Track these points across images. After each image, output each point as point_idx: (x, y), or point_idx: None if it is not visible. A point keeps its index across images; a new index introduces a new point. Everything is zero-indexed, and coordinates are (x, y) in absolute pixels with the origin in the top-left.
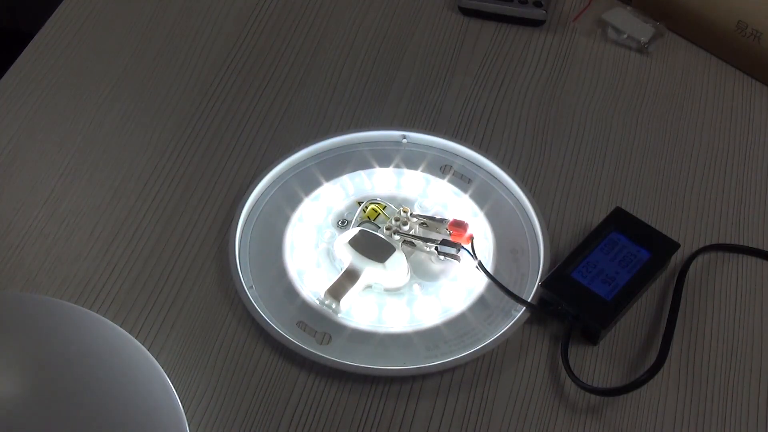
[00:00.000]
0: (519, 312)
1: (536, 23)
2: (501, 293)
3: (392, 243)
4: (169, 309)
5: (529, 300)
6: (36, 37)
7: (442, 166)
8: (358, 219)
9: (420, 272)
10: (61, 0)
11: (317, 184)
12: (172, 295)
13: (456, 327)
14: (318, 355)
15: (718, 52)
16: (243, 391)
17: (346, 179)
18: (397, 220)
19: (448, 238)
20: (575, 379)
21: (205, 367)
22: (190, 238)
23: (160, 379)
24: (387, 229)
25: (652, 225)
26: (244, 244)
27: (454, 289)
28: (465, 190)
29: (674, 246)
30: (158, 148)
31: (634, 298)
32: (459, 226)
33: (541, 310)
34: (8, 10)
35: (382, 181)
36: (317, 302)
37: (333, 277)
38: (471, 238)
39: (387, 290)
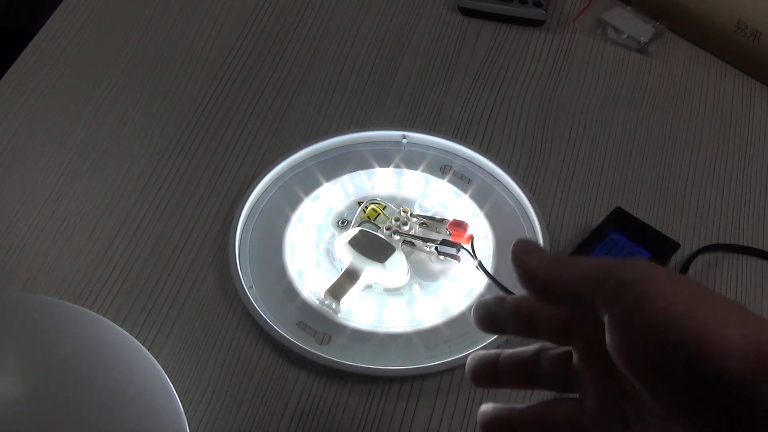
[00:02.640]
0: None
1: (536, 23)
2: (501, 293)
3: (392, 243)
4: (169, 309)
5: None
6: (36, 37)
7: (442, 166)
8: (358, 219)
9: (420, 272)
10: (62, 0)
11: (317, 184)
12: (172, 294)
13: (456, 327)
14: (318, 355)
15: (718, 52)
16: (243, 390)
17: (346, 179)
18: (397, 220)
19: (448, 238)
20: None
21: (205, 367)
22: (190, 238)
23: (160, 378)
24: (387, 229)
25: (652, 225)
26: (244, 244)
27: (454, 289)
28: (465, 190)
29: (674, 246)
30: (158, 148)
31: None
32: (459, 226)
33: None
34: (8, 10)
35: (382, 181)
36: (317, 302)
37: (333, 277)
38: (471, 238)
39: (387, 290)
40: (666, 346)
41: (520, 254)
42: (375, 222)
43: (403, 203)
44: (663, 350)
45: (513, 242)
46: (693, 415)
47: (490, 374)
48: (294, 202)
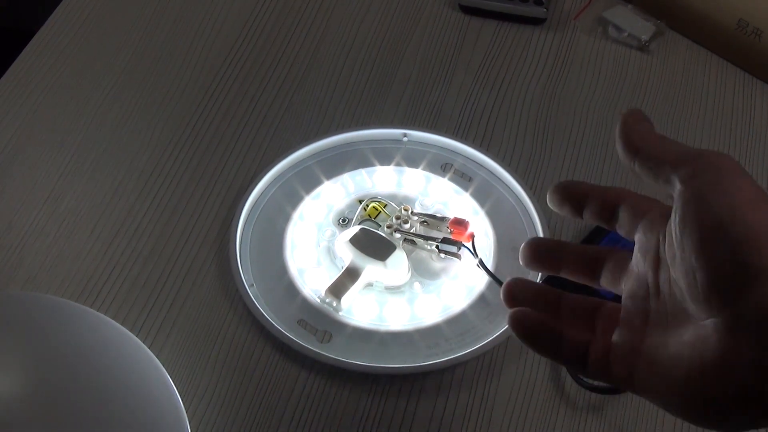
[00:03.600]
0: None
1: (537, 21)
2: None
3: (393, 241)
4: (170, 307)
5: None
6: (36, 36)
7: (442, 165)
8: (359, 217)
9: (421, 270)
10: None
11: (318, 183)
12: (173, 293)
13: (457, 325)
14: (319, 353)
15: (718, 51)
16: (244, 389)
17: (346, 177)
18: (397, 218)
19: (448, 236)
20: (576, 377)
21: (205, 366)
22: (190, 236)
23: (161, 377)
24: (388, 227)
25: None
26: (245, 242)
27: (455, 287)
28: (466, 189)
29: None
30: (158, 147)
31: None
32: (460, 224)
33: None
34: (8, 9)
35: (382, 180)
36: (318, 300)
37: (334, 276)
38: (472, 236)
39: (388, 288)
40: (722, 225)
41: (629, 119)
42: (376, 220)
43: (403, 201)
44: (719, 227)
45: (627, 110)
46: (718, 297)
47: (551, 256)
48: (295, 201)
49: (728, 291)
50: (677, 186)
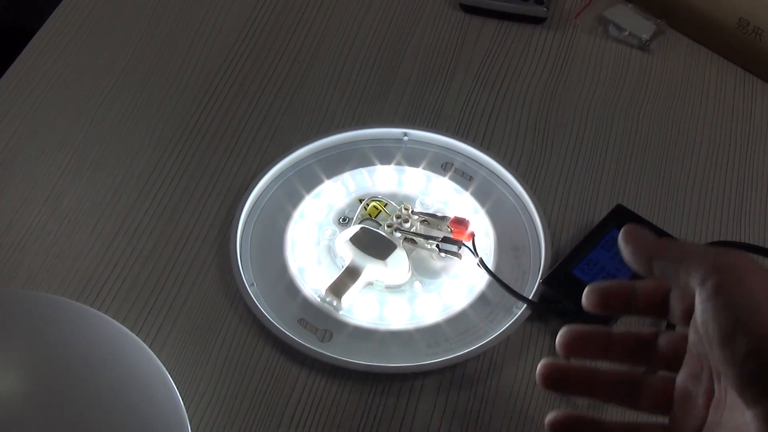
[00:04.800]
0: (520, 309)
1: (537, 20)
2: (502, 290)
3: (393, 240)
4: (170, 306)
5: (530, 297)
6: (37, 35)
7: (443, 164)
8: (360, 216)
9: (421, 269)
10: None
11: (318, 182)
12: (173, 292)
13: (457, 324)
14: (319, 352)
15: (719, 50)
16: (244, 388)
17: (347, 176)
18: (398, 217)
19: (449, 235)
20: None
21: (206, 365)
22: (191, 235)
23: (161, 376)
24: (388, 226)
25: (654, 222)
26: (246, 241)
27: (455, 286)
28: (466, 188)
29: None
30: (159, 146)
31: None
32: (460, 223)
33: (542, 308)
34: (9, 9)
35: (383, 179)
36: (318, 299)
37: (334, 275)
38: (472, 236)
39: (388, 287)
40: (744, 322)
41: (631, 231)
42: (376, 219)
43: (404, 200)
44: (741, 324)
45: (623, 228)
46: (749, 391)
47: (597, 346)
48: (295, 200)
49: (758, 385)
50: (696, 287)
